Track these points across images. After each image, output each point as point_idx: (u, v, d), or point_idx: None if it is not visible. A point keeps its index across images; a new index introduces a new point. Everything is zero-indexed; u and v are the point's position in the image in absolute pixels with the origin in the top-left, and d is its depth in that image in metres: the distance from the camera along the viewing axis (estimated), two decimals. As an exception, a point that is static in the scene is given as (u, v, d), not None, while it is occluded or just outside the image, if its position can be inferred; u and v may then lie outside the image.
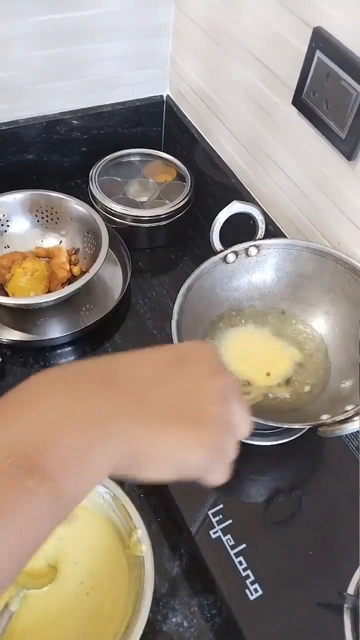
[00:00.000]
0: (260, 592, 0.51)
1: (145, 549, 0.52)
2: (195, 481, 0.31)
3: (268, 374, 0.62)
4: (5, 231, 0.83)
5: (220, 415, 0.31)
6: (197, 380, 0.32)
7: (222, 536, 0.54)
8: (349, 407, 0.54)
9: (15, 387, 0.30)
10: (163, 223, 0.87)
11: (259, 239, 0.66)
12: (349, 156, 0.60)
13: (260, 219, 0.65)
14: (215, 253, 0.64)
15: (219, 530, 0.55)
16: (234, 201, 0.63)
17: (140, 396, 0.30)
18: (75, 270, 0.81)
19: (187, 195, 0.88)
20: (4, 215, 0.82)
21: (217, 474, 0.31)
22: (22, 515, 0.25)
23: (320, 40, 0.58)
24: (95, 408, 0.28)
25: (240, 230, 0.64)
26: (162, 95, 0.96)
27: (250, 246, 0.65)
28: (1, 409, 0.29)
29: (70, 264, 0.82)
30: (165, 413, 0.29)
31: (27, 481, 0.25)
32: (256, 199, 0.81)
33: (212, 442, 0.30)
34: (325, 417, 0.53)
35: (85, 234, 0.83)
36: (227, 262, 0.65)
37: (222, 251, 0.64)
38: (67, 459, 0.26)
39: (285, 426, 0.56)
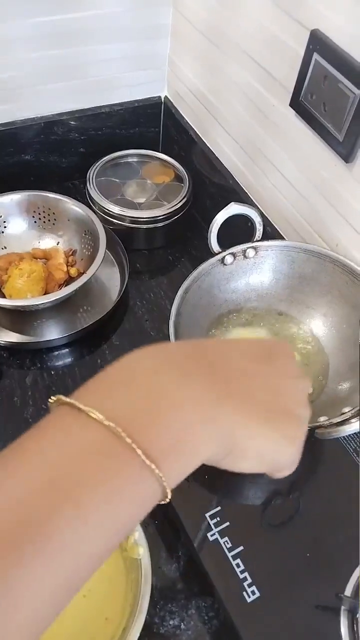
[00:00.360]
0: (257, 594, 0.51)
1: (142, 551, 0.52)
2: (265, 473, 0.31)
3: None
4: (2, 232, 0.83)
5: (305, 415, 0.32)
6: (285, 379, 0.32)
7: (219, 538, 0.54)
8: (346, 409, 0.54)
9: (115, 362, 0.29)
10: (161, 224, 0.87)
11: (257, 241, 0.66)
12: (347, 158, 0.60)
13: (258, 220, 0.65)
14: (213, 255, 0.64)
15: (217, 533, 0.55)
16: (232, 203, 0.63)
17: (240, 389, 0.29)
18: (73, 271, 0.81)
19: (184, 196, 0.88)
20: (1, 216, 0.82)
21: (291, 470, 0.32)
22: (126, 494, 0.25)
23: (318, 42, 0.58)
24: (207, 394, 0.28)
25: (238, 232, 0.64)
26: (160, 97, 0.96)
27: (248, 248, 0.65)
28: (104, 383, 0.28)
29: (67, 265, 0.81)
30: (262, 409, 0.29)
31: (129, 456, 0.25)
32: (254, 200, 0.81)
33: (299, 441, 0.31)
34: (323, 419, 0.53)
35: (83, 235, 0.82)
36: (224, 264, 0.65)
37: (219, 253, 0.64)
38: (171, 443, 0.26)
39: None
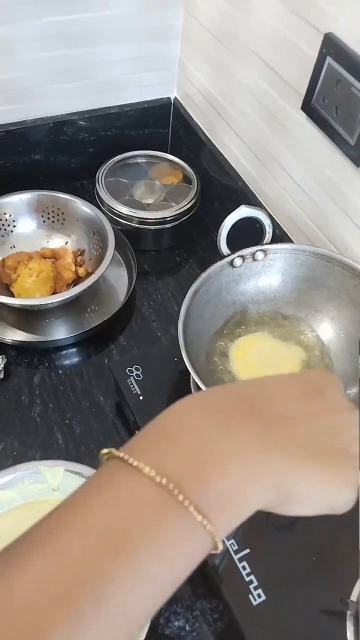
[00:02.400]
0: (263, 597, 0.51)
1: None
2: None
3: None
4: (12, 231, 0.84)
5: (358, 450, 0.31)
6: (335, 416, 0.31)
7: (226, 541, 0.54)
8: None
9: (162, 413, 0.29)
10: (169, 225, 0.87)
11: (266, 244, 0.66)
12: (358, 162, 0.60)
13: (267, 223, 0.65)
14: (222, 257, 0.64)
15: (223, 535, 0.55)
16: (242, 205, 0.63)
17: (290, 433, 0.29)
18: (81, 271, 0.81)
19: (193, 197, 0.88)
20: (10, 216, 0.83)
21: (348, 508, 0.30)
22: (179, 550, 0.25)
23: (331, 46, 0.58)
24: (256, 446, 0.27)
25: (246, 234, 0.64)
26: (169, 98, 0.97)
27: (257, 250, 0.65)
28: (153, 437, 0.28)
29: (76, 265, 0.82)
30: (314, 452, 0.29)
31: (182, 513, 0.25)
32: (263, 203, 0.81)
33: (355, 478, 0.30)
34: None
35: (92, 235, 0.83)
36: (233, 266, 0.65)
37: (229, 255, 0.64)
38: (223, 498, 0.26)
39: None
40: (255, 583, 0.52)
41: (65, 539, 0.24)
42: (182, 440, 0.27)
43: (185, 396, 0.30)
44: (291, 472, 0.28)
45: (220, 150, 0.89)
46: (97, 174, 0.90)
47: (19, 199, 0.82)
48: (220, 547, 0.26)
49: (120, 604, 0.23)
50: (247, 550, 0.54)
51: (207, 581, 0.56)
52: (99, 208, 0.85)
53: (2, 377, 0.72)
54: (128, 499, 0.25)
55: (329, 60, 0.59)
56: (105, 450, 0.28)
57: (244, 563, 0.53)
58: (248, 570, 0.53)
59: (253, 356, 0.64)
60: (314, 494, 0.28)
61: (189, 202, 0.88)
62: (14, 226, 0.83)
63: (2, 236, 0.83)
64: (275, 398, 0.31)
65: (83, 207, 0.82)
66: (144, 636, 0.48)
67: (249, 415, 0.29)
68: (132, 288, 0.81)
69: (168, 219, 0.86)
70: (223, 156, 0.88)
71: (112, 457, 0.27)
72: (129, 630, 0.24)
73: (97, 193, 0.88)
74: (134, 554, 0.24)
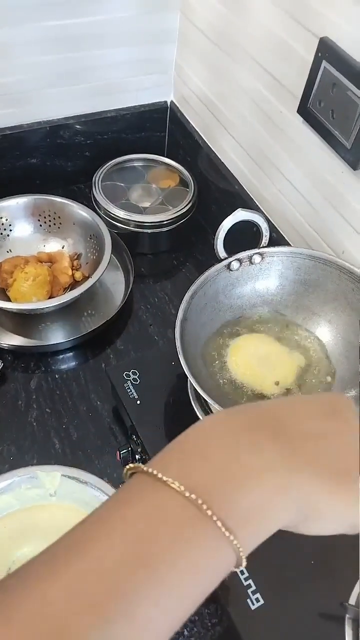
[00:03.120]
0: (261, 601, 0.51)
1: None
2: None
3: (277, 383, 0.62)
4: (8, 235, 0.83)
5: None
6: (352, 436, 0.32)
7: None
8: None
9: (186, 431, 0.30)
10: (165, 229, 0.87)
11: (263, 247, 0.65)
12: (354, 165, 0.60)
13: (264, 227, 0.65)
14: (219, 260, 0.64)
15: (221, 539, 0.54)
16: (239, 209, 0.63)
17: (314, 452, 0.29)
18: (78, 275, 0.81)
19: (190, 201, 0.88)
20: (6, 220, 0.82)
21: None
22: (205, 565, 0.25)
23: (327, 50, 0.58)
24: (281, 463, 0.28)
25: (243, 238, 0.64)
26: (166, 102, 0.97)
27: (255, 254, 0.65)
28: (179, 453, 0.29)
29: (72, 269, 0.82)
30: (335, 471, 0.29)
31: (209, 528, 0.25)
32: (260, 206, 0.81)
33: None
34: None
35: (88, 239, 0.82)
36: (231, 270, 0.65)
37: (226, 258, 0.64)
38: (248, 513, 0.26)
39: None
40: (254, 587, 0.52)
41: (97, 551, 0.25)
42: (209, 457, 0.28)
43: (210, 415, 0.31)
44: (316, 490, 0.28)
45: (217, 154, 0.89)
46: (93, 178, 0.90)
47: (16, 203, 0.82)
48: (244, 563, 0.27)
49: (147, 616, 0.24)
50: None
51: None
52: (96, 212, 0.85)
53: (-2, 381, 0.71)
54: (157, 512, 0.26)
55: (324, 64, 0.59)
56: (130, 466, 0.29)
57: (242, 567, 0.53)
58: (246, 574, 0.52)
59: (251, 358, 0.64)
60: (336, 513, 0.29)
61: (186, 205, 0.88)
62: (11, 230, 0.83)
63: (-1, 240, 0.83)
64: (298, 418, 0.31)
65: (80, 211, 0.82)
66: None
67: (274, 433, 0.30)
68: (129, 292, 0.81)
69: (165, 222, 0.86)
70: (220, 159, 0.88)
71: (138, 473, 0.28)
72: (155, 638, 0.24)
73: (94, 197, 0.88)
74: (162, 566, 0.24)
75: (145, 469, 0.27)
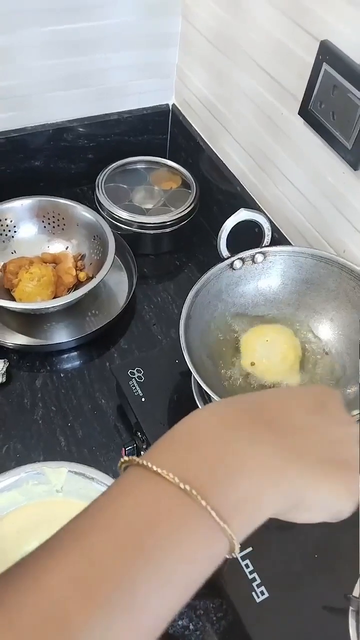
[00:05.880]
0: (266, 594, 0.52)
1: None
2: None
3: (279, 380, 0.63)
4: (13, 237, 0.84)
5: (358, 462, 0.33)
6: (339, 428, 0.33)
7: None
8: (354, 412, 0.54)
9: (179, 424, 0.31)
10: (168, 230, 0.88)
11: (266, 246, 0.66)
12: (355, 166, 0.61)
13: (266, 226, 0.66)
14: (222, 260, 0.65)
15: (226, 534, 0.55)
16: (242, 209, 0.64)
17: (303, 444, 0.31)
18: (82, 275, 0.82)
19: (192, 202, 0.89)
20: (11, 221, 0.83)
21: (349, 514, 0.32)
22: (199, 553, 0.26)
23: (327, 53, 0.59)
24: (273, 454, 0.29)
25: (245, 238, 0.65)
26: (168, 105, 0.98)
27: (257, 253, 0.66)
28: (173, 444, 0.30)
29: (76, 270, 0.82)
30: (324, 463, 0.30)
31: (203, 517, 0.26)
32: (261, 207, 0.82)
33: (357, 491, 0.32)
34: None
35: (92, 240, 0.83)
36: (233, 269, 0.66)
37: (228, 258, 0.65)
38: (241, 503, 0.27)
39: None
40: (259, 581, 0.52)
41: (95, 542, 0.25)
42: (202, 448, 0.29)
43: (203, 406, 0.32)
44: (305, 481, 0.29)
45: (219, 156, 0.90)
46: (97, 180, 0.91)
47: (20, 205, 0.83)
48: (237, 550, 0.27)
49: (144, 603, 0.24)
50: (250, 549, 0.54)
51: (210, 580, 0.57)
52: (99, 213, 0.86)
53: (4, 380, 0.72)
54: (152, 503, 0.27)
55: (325, 66, 0.60)
56: (125, 459, 0.29)
57: (247, 561, 0.53)
58: (251, 568, 0.53)
59: (253, 355, 0.65)
60: (322, 502, 0.30)
61: (188, 206, 0.88)
62: (15, 231, 0.84)
63: (3, 241, 0.84)
64: (289, 411, 0.33)
65: (83, 212, 0.83)
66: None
67: (265, 425, 0.31)
68: (132, 292, 0.82)
69: (167, 223, 0.87)
70: (221, 161, 0.89)
71: (132, 465, 0.29)
72: (151, 629, 0.25)
73: (97, 198, 0.89)
74: (158, 555, 0.25)
75: (139, 461, 0.28)
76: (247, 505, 0.27)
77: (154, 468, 0.27)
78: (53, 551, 0.26)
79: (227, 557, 0.28)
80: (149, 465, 0.28)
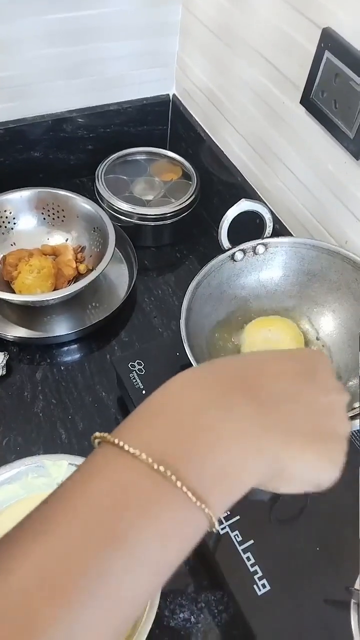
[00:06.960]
0: (268, 587, 0.52)
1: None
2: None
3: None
4: (12, 229, 0.84)
5: (345, 432, 0.32)
6: (326, 397, 0.32)
7: (230, 532, 0.55)
8: (356, 405, 0.54)
9: (155, 393, 0.29)
10: (168, 221, 0.87)
11: (267, 237, 0.66)
12: (357, 155, 0.60)
13: (268, 217, 0.65)
14: (223, 251, 0.65)
15: (227, 526, 0.55)
16: (243, 199, 0.63)
17: (284, 413, 0.29)
18: (82, 268, 0.82)
19: (192, 194, 0.88)
20: (10, 213, 0.83)
21: (331, 485, 0.31)
22: (175, 532, 0.25)
23: (330, 40, 0.58)
24: (251, 425, 0.28)
25: (246, 230, 0.65)
26: (168, 95, 0.97)
27: (258, 244, 0.65)
28: (146, 418, 0.28)
29: (76, 262, 0.82)
30: (306, 433, 0.29)
31: (178, 495, 0.25)
32: (262, 197, 0.81)
33: (341, 461, 0.31)
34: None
35: (92, 231, 0.83)
36: (235, 260, 0.65)
37: (230, 249, 0.64)
38: (219, 478, 0.26)
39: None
40: (260, 573, 0.52)
41: (64, 528, 0.24)
42: (178, 421, 0.27)
43: (179, 373, 0.30)
44: (285, 450, 0.28)
45: (220, 146, 0.89)
46: (96, 171, 0.90)
47: (19, 196, 0.82)
48: (217, 525, 0.26)
49: (116, 589, 0.23)
50: (252, 541, 0.54)
51: (211, 573, 0.57)
52: (99, 205, 0.85)
53: (4, 373, 0.72)
54: (123, 485, 0.25)
55: (327, 54, 0.59)
56: (97, 434, 0.28)
57: (249, 554, 0.53)
58: (252, 560, 0.53)
59: (254, 347, 0.64)
60: (303, 472, 0.29)
61: (189, 198, 0.88)
62: (15, 223, 0.84)
63: (3, 233, 0.83)
64: (270, 377, 0.31)
65: (83, 204, 0.83)
66: (149, 628, 0.48)
67: (245, 393, 0.29)
68: (132, 284, 0.81)
69: (168, 215, 0.86)
70: (222, 151, 0.89)
71: (105, 442, 0.27)
72: (126, 613, 0.24)
73: (97, 190, 0.89)
74: (130, 538, 0.24)
75: (110, 439, 0.27)
76: (225, 479, 0.26)
77: (126, 447, 0.26)
78: (21, 539, 0.24)
79: (208, 531, 0.27)
80: (121, 444, 0.26)
